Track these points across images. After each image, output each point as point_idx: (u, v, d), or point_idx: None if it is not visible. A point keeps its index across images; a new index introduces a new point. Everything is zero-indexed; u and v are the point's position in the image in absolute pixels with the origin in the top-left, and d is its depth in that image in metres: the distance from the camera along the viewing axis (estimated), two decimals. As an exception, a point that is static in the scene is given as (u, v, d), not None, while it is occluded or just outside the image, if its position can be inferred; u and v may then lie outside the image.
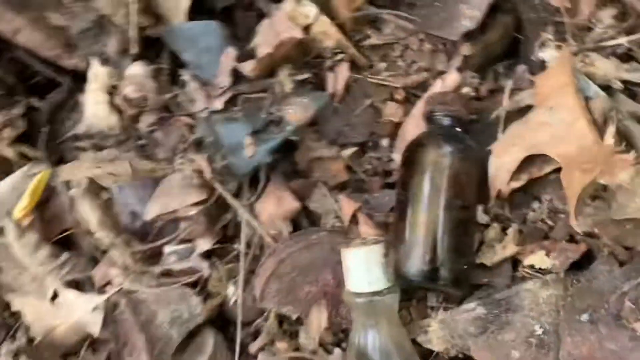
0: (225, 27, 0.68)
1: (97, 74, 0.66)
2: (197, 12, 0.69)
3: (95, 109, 0.67)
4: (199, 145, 0.64)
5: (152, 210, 0.64)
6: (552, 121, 0.55)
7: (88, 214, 0.63)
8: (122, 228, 0.67)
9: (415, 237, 0.54)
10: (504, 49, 0.70)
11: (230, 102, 0.63)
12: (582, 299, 0.51)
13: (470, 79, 0.67)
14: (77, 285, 0.65)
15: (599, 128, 0.53)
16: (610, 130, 0.51)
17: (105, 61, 0.67)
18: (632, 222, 0.51)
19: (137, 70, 0.64)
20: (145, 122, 0.66)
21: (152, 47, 0.69)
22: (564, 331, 0.50)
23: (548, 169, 0.55)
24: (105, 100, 0.66)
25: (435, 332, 0.57)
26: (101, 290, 0.65)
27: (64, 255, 0.65)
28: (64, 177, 0.66)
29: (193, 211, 0.62)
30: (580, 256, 0.53)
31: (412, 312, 0.60)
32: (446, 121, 0.59)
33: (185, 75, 0.64)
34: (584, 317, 0.50)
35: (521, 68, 0.68)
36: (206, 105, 0.62)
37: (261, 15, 0.71)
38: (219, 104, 0.62)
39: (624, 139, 0.53)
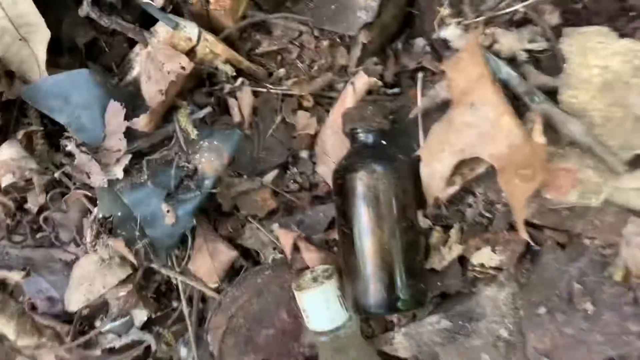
0: (96, 70, 0.58)
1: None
2: (54, 53, 0.59)
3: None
4: (105, 219, 0.56)
5: (75, 300, 0.57)
6: (476, 120, 0.53)
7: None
8: (42, 315, 0.60)
9: (369, 268, 0.53)
10: (399, 26, 0.67)
11: (131, 166, 0.55)
12: (536, 291, 0.53)
13: (373, 66, 0.64)
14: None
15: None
16: (538, 127, 0.50)
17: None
18: (568, 208, 0.52)
19: (9, 153, 0.53)
20: (35, 204, 0.57)
21: (11, 112, 0.58)
22: (527, 328, 0.53)
23: (480, 169, 0.55)
24: (-23, 190, 0.56)
25: (401, 343, 0.58)
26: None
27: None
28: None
29: (122, 291, 0.56)
30: (525, 247, 0.55)
31: (373, 325, 0.60)
32: (370, 138, 0.56)
33: (69, 145, 0.54)
34: (541, 309, 0.52)
35: (420, 42, 0.66)
36: (104, 177, 0.54)
37: (130, 40, 0.62)
38: (119, 172, 0.54)
39: (546, 124, 0.53)
